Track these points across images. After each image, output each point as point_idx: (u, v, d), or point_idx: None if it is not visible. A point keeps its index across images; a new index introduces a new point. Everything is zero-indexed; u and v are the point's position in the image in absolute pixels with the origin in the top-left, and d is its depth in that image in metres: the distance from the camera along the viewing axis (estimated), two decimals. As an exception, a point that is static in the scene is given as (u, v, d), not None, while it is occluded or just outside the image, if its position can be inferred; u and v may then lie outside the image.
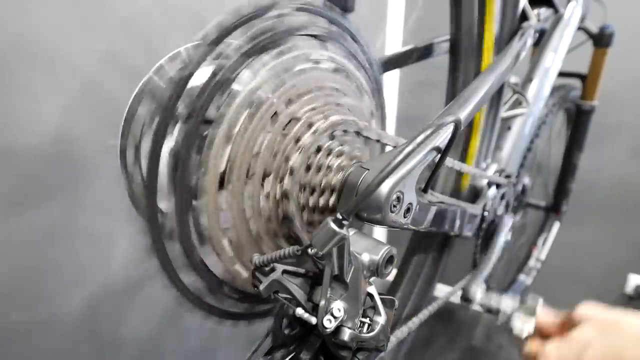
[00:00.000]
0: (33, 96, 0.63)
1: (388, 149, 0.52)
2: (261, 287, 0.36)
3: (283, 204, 0.40)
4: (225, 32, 0.34)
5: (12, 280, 0.66)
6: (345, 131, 0.43)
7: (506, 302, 0.69)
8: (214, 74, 0.34)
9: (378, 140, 0.47)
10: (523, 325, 0.60)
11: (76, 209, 0.72)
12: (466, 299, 0.78)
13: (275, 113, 0.37)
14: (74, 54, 0.66)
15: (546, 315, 0.58)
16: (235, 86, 0.35)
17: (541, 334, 0.57)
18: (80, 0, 0.65)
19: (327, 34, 0.42)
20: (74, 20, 0.64)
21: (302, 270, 0.38)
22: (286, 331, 0.39)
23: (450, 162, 0.56)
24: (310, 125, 0.39)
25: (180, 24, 0.72)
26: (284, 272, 0.37)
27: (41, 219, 0.67)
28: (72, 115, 0.67)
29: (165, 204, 0.35)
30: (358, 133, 0.45)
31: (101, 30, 0.68)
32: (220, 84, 0.34)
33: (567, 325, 0.52)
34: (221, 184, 0.37)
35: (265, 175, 0.39)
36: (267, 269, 0.37)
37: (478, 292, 0.77)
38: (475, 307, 0.79)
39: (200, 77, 0.34)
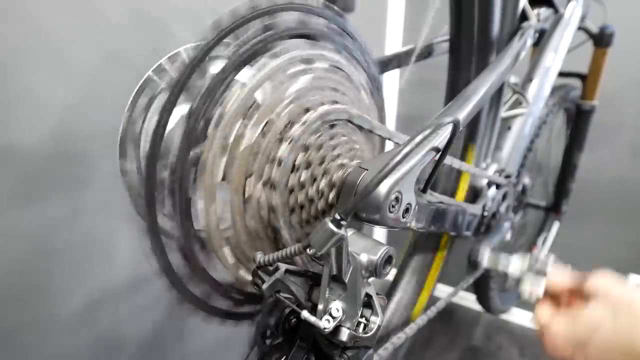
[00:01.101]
0: (34, 95, 0.63)
1: (388, 147, 0.52)
2: (264, 286, 0.36)
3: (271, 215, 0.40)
4: (213, 43, 0.34)
5: (12, 280, 0.66)
6: (335, 122, 0.42)
7: (515, 264, 0.64)
8: (207, 91, 0.34)
9: (370, 131, 0.46)
10: (532, 288, 0.57)
11: (77, 208, 0.72)
12: (473, 262, 0.73)
13: (268, 121, 0.37)
14: (75, 54, 0.66)
15: (557, 277, 0.55)
16: (227, 96, 0.35)
17: (552, 296, 0.54)
18: (81, 0, 0.65)
19: (319, 32, 0.41)
20: (75, 20, 0.64)
21: (303, 270, 0.38)
22: (268, 341, 0.39)
23: (449, 160, 0.56)
24: (300, 115, 0.39)
25: (181, 24, 0.72)
26: (286, 271, 0.37)
27: (41, 219, 0.67)
28: (73, 114, 0.67)
29: (165, 205, 0.35)
30: (350, 122, 0.44)
31: (102, 30, 0.68)
32: (210, 98, 0.34)
33: (579, 293, 0.49)
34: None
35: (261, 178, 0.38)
36: (271, 268, 0.37)
37: (485, 255, 0.72)
38: (481, 270, 0.74)
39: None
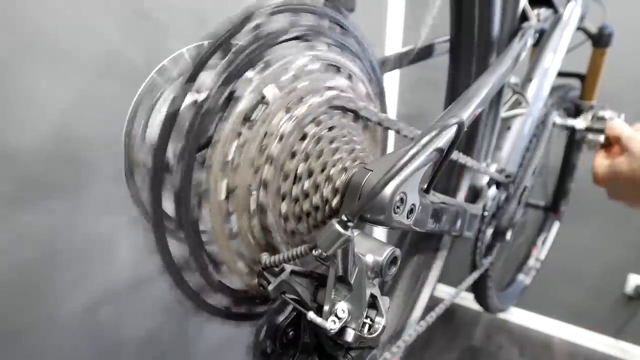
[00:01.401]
0: (34, 96, 0.62)
1: (389, 146, 0.52)
2: (270, 287, 0.36)
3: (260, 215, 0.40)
4: (200, 64, 0.33)
5: (12, 281, 0.66)
6: (334, 109, 0.41)
7: (580, 119, 0.84)
8: (197, 111, 0.33)
9: (379, 124, 0.46)
10: (594, 138, 0.77)
11: (77, 208, 0.72)
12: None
13: (266, 133, 0.36)
14: (76, 54, 0.66)
15: (612, 129, 0.73)
16: (221, 118, 0.34)
17: (610, 144, 0.75)
18: (81, 0, 0.65)
19: (311, 31, 0.40)
20: (75, 20, 0.64)
21: (309, 271, 0.38)
22: (269, 350, 0.39)
23: (455, 155, 0.56)
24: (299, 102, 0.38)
25: (182, 24, 0.72)
26: (292, 272, 0.37)
27: (42, 219, 0.67)
28: (74, 115, 0.67)
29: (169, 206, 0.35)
30: (347, 110, 0.43)
31: (103, 30, 0.68)
32: (205, 118, 0.33)
33: (622, 145, 0.70)
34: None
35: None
36: (277, 269, 0.37)
37: (553, 115, 0.87)
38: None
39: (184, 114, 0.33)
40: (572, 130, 0.95)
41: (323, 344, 0.38)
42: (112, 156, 0.38)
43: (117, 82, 0.59)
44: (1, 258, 0.64)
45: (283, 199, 0.39)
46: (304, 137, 0.39)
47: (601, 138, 0.76)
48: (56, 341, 0.74)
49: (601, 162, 0.72)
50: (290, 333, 0.40)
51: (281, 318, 0.38)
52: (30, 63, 0.61)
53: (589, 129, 0.81)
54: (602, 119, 0.80)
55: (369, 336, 0.36)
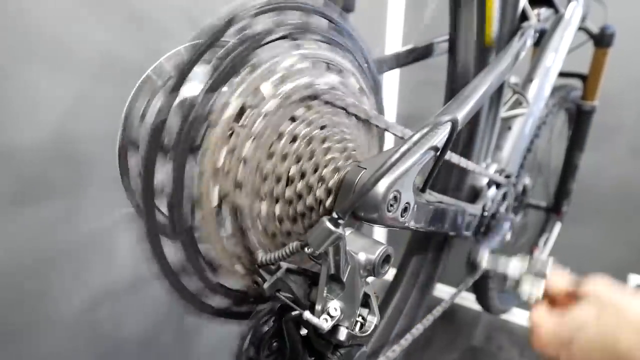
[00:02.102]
0: (33, 96, 0.63)
1: (387, 144, 0.52)
2: (265, 285, 0.36)
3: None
4: (183, 73, 0.32)
5: (12, 281, 0.66)
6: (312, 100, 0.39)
7: (514, 265, 0.65)
8: (184, 118, 0.33)
9: (367, 120, 0.45)
10: (532, 290, 0.58)
11: (77, 208, 0.72)
12: (472, 263, 0.74)
13: (255, 138, 0.36)
14: (75, 54, 0.66)
15: (556, 279, 0.56)
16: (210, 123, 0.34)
17: (550, 298, 0.56)
18: (81, 0, 0.65)
19: (297, 29, 0.39)
20: (75, 19, 0.64)
21: (302, 269, 0.38)
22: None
23: (449, 155, 0.56)
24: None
25: (180, 23, 0.72)
26: (287, 270, 0.37)
27: (41, 219, 0.67)
28: (74, 115, 0.68)
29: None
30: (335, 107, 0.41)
31: (101, 29, 0.68)
32: (193, 126, 0.33)
33: (575, 296, 0.50)
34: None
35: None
36: (273, 267, 0.37)
37: (484, 256, 0.73)
38: (480, 272, 0.75)
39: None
40: (502, 279, 0.69)
41: (312, 341, 0.37)
42: (112, 155, 0.38)
43: (117, 82, 0.60)
44: (1, 258, 0.64)
45: (277, 201, 0.39)
46: (294, 139, 0.38)
47: (540, 291, 0.58)
48: (56, 341, 0.75)
49: (546, 316, 0.51)
50: (275, 345, 0.39)
51: (265, 328, 0.38)
52: (30, 63, 0.61)
53: (522, 281, 0.62)
54: (540, 273, 0.60)
55: (361, 335, 0.36)
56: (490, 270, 0.73)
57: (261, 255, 0.38)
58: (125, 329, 0.88)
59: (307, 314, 0.34)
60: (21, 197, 0.64)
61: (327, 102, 0.40)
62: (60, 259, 0.72)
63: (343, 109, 0.42)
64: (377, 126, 0.46)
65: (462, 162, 0.56)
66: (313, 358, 0.39)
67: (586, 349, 0.44)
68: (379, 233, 1.94)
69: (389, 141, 0.64)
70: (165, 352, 1.00)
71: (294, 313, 0.37)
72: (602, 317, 0.45)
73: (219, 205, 0.35)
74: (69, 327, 0.76)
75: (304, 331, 0.39)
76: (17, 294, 0.67)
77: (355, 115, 0.44)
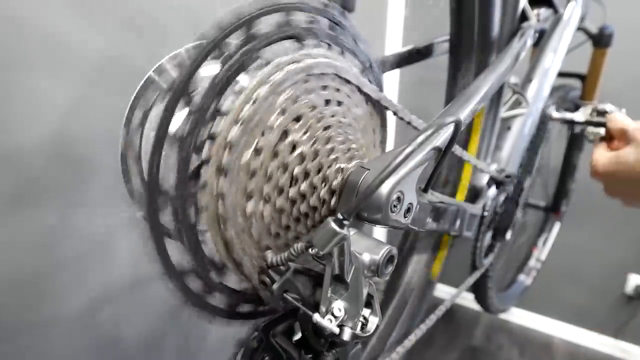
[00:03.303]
0: (34, 96, 0.63)
1: (388, 144, 0.52)
2: (275, 286, 0.36)
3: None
4: (185, 79, 0.33)
5: (12, 281, 0.66)
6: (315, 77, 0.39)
7: (580, 113, 0.79)
8: (188, 119, 0.33)
9: (377, 102, 0.45)
10: (594, 131, 0.73)
11: (77, 208, 0.72)
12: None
13: (259, 140, 0.36)
14: (75, 54, 0.66)
15: (614, 122, 0.69)
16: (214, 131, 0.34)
17: (610, 138, 0.70)
18: (82, 1, 0.65)
19: (303, 29, 0.39)
20: (75, 19, 0.64)
21: (307, 269, 0.38)
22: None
23: (456, 149, 0.56)
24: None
25: (181, 24, 0.72)
26: (295, 271, 0.37)
27: (42, 219, 0.67)
28: (73, 115, 0.67)
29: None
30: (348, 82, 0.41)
31: (102, 30, 0.68)
32: (196, 133, 0.33)
33: (628, 140, 0.64)
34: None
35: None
36: (283, 267, 0.37)
37: (553, 110, 0.87)
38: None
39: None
40: (571, 124, 0.93)
41: (307, 337, 0.37)
42: (113, 156, 0.38)
43: (117, 82, 0.60)
44: (1, 258, 0.64)
45: (278, 204, 0.39)
46: (294, 146, 0.38)
47: (602, 131, 0.72)
48: (56, 341, 0.75)
49: (602, 153, 0.66)
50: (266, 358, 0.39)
51: (254, 344, 0.38)
52: (30, 63, 0.61)
53: (588, 123, 0.78)
54: (602, 112, 0.77)
55: (363, 335, 0.36)
56: (560, 118, 0.92)
57: (270, 256, 0.38)
58: (126, 329, 0.88)
59: (317, 317, 0.34)
60: (21, 197, 0.64)
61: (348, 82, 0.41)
62: (61, 260, 0.72)
63: (367, 95, 0.43)
64: (386, 108, 0.48)
65: (465, 155, 0.56)
66: (310, 356, 0.38)
67: (625, 174, 0.61)
68: (379, 233, 1.94)
69: (389, 142, 0.64)
70: (166, 353, 1.00)
71: (281, 326, 0.38)
72: (638, 155, 0.60)
73: (221, 205, 0.35)
74: (68, 327, 0.76)
75: (297, 336, 0.39)
76: (17, 294, 0.67)
77: (378, 102, 0.45)
